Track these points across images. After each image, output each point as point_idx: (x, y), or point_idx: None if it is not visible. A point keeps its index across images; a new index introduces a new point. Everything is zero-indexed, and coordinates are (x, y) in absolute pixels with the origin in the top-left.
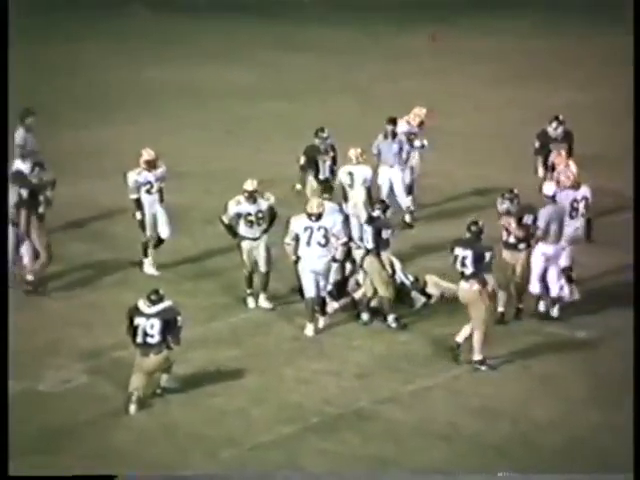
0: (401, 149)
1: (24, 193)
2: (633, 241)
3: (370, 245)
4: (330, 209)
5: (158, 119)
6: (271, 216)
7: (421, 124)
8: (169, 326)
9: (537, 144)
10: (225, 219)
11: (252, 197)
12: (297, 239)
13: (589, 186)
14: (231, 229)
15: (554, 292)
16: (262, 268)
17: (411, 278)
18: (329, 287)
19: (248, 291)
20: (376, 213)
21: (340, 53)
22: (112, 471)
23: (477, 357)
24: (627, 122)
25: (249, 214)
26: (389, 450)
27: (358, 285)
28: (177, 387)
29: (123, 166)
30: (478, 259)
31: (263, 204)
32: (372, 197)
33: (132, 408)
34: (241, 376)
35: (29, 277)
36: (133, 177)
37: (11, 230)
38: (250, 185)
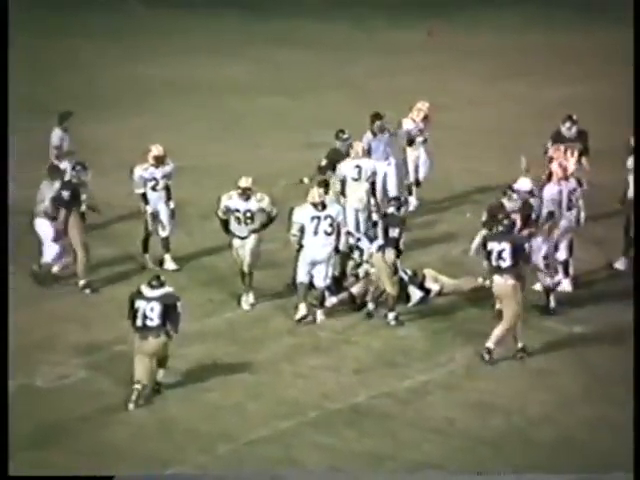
0: (390, 135)
1: (65, 194)
2: (633, 237)
3: (380, 241)
4: (329, 200)
5: (155, 115)
6: (268, 219)
7: (425, 118)
8: (168, 311)
9: (549, 144)
10: (220, 213)
11: (245, 194)
12: (302, 230)
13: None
14: (226, 224)
15: (544, 282)
16: (245, 268)
17: (409, 272)
18: (328, 281)
19: (243, 287)
20: (390, 210)
21: (336, 49)
22: (108, 466)
23: (489, 344)
24: (626, 117)
25: (237, 210)
26: (386, 445)
27: (357, 278)
28: (174, 382)
29: (120, 162)
30: (517, 251)
31: (254, 204)
32: (375, 191)
33: (132, 403)
34: (238, 371)
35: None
36: (139, 172)
37: (46, 224)
38: (244, 182)
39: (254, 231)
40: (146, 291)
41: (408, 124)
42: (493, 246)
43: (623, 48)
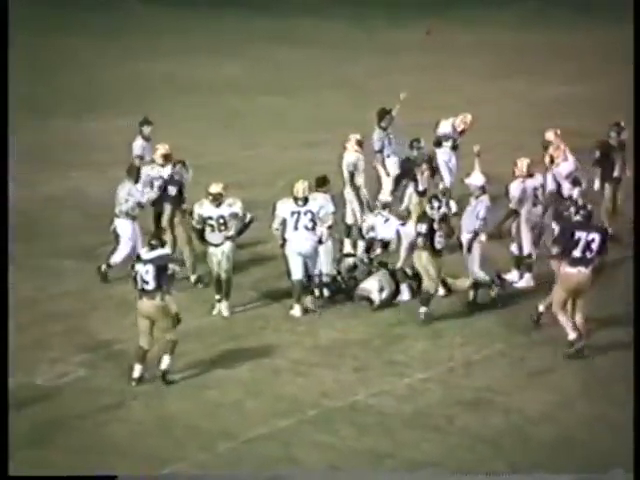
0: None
1: (172, 190)
2: (633, 237)
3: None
4: (320, 196)
5: (154, 114)
6: (243, 225)
7: (463, 132)
8: (161, 273)
9: (597, 154)
10: (194, 223)
11: (216, 200)
12: (284, 224)
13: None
14: (201, 234)
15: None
16: (222, 275)
17: (409, 271)
18: (325, 279)
19: (216, 297)
20: (427, 208)
21: (335, 47)
22: (108, 464)
23: (573, 335)
24: (625, 115)
25: (210, 218)
26: (385, 443)
27: (355, 280)
28: (176, 379)
29: (119, 160)
30: (604, 241)
31: (226, 210)
32: (355, 183)
33: (137, 368)
34: (237, 369)
35: None
36: (145, 171)
37: (128, 224)
38: (214, 188)
39: (229, 238)
40: (143, 253)
41: (445, 127)
42: (581, 235)
43: (622, 46)
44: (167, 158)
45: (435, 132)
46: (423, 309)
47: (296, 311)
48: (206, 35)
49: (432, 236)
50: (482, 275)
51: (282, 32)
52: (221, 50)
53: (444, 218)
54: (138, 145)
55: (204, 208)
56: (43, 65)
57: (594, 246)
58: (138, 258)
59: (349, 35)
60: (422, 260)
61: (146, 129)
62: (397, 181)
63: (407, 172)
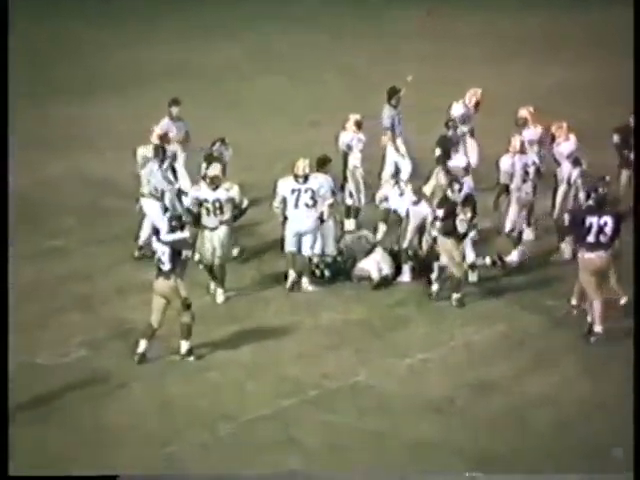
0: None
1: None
2: (633, 225)
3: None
4: (320, 176)
5: (153, 98)
6: (239, 211)
7: (477, 105)
8: (176, 256)
9: (616, 138)
10: (190, 206)
11: (213, 183)
12: (285, 202)
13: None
14: (196, 217)
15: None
16: (215, 261)
17: (410, 252)
18: (329, 259)
19: (214, 281)
20: (448, 191)
21: (335, 32)
22: (107, 445)
23: (599, 328)
24: (625, 101)
25: (206, 201)
26: (386, 423)
27: (354, 261)
28: (175, 360)
29: (121, 144)
30: (618, 224)
31: (222, 194)
32: (347, 163)
33: (142, 343)
34: (238, 351)
35: None
36: (142, 152)
37: (153, 203)
38: (212, 170)
39: (224, 222)
40: (163, 235)
41: (458, 109)
42: (592, 220)
43: (624, 32)
44: (163, 139)
45: (449, 116)
46: (455, 296)
47: (291, 275)
48: (206, 19)
49: (454, 220)
50: (473, 256)
51: (282, 16)
52: (221, 35)
53: (466, 200)
54: (162, 125)
55: (201, 191)
56: (42, 52)
57: (608, 230)
58: (158, 238)
59: (350, 19)
60: (447, 246)
61: (174, 109)
62: (439, 160)
63: (447, 151)
